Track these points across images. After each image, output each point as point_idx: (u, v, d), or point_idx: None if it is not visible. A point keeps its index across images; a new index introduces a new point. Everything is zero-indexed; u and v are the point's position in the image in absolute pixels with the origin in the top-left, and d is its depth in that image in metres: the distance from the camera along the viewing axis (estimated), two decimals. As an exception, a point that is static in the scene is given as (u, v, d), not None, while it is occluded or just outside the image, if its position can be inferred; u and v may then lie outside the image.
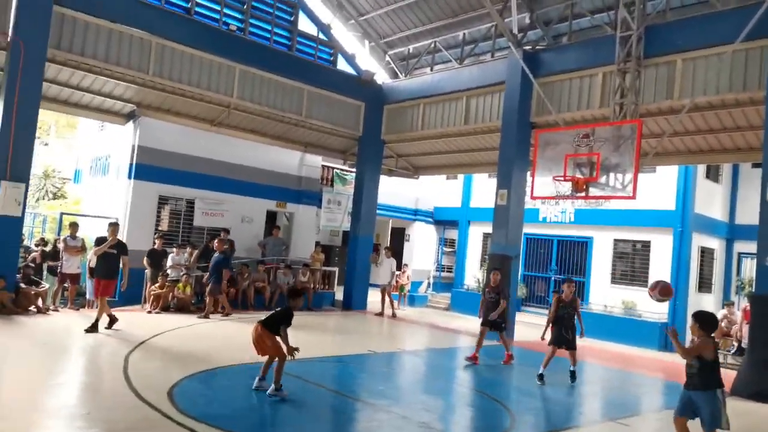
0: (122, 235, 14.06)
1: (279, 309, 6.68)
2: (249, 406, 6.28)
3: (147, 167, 14.26)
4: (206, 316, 11.85)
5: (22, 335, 8.79)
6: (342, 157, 17.89)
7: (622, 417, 7.20)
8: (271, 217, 17.38)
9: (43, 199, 21.13)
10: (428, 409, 6.93)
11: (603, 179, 10.41)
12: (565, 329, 8.58)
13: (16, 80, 10.18)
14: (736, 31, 9.72)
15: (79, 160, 20.08)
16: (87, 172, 18.21)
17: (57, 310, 11.18)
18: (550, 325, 8.71)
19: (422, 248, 22.75)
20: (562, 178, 10.50)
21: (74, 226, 12.25)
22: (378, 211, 17.34)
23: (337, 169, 19.05)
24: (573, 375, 8.67)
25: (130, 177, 14.26)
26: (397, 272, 17.60)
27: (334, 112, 15.70)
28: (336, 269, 17.81)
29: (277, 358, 6.40)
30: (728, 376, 8.75)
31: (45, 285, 11.41)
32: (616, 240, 17.01)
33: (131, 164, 14.26)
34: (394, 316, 15.25)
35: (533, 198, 11.64)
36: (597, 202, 11.50)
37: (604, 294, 16.63)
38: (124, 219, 14.17)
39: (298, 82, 14.76)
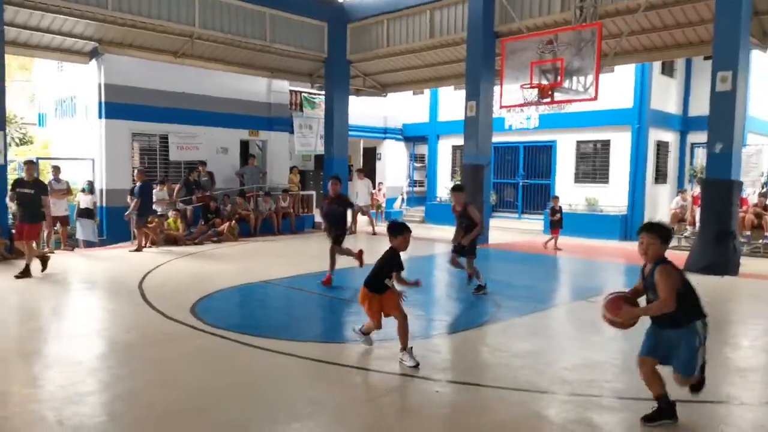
0: (100, 175, 14.30)
1: (382, 257, 5.37)
2: (268, 316, 6.97)
3: (117, 105, 14.21)
4: (139, 250, 11.81)
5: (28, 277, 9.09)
6: (309, 80, 17.92)
7: (591, 296, 8.16)
8: (245, 146, 17.57)
9: (10, 145, 20.62)
10: (424, 303, 7.74)
11: (567, 83, 10.97)
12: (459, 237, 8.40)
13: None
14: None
15: (41, 103, 19.60)
16: (52, 115, 17.88)
17: (52, 253, 11.48)
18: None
19: (394, 165, 23.31)
20: (529, 86, 11.02)
21: (57, 169, 12.35)
22: (348, 132, 17.67)
23: (305, 92, 19.13)
24: (469, 280, 8.45)
25: (100, 116, 14.21)
26: (373, 190, 18.27)
27: (297, 35, 15.65)
28: (313, 192, 18.30)
29: (394, 318, 5.21)
30: (683, 256, 9.83)
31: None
32: (578, 141, 17.84)
33: (100, 103, 14.17)
34: (374, 233, 15.96)
35: (502, 107, 12.16)
36: (560, 106, 12.10)
37: (568, 193, 17.62)
38: (100, 159, 14.27)
39: (259, 6, 14.62)
